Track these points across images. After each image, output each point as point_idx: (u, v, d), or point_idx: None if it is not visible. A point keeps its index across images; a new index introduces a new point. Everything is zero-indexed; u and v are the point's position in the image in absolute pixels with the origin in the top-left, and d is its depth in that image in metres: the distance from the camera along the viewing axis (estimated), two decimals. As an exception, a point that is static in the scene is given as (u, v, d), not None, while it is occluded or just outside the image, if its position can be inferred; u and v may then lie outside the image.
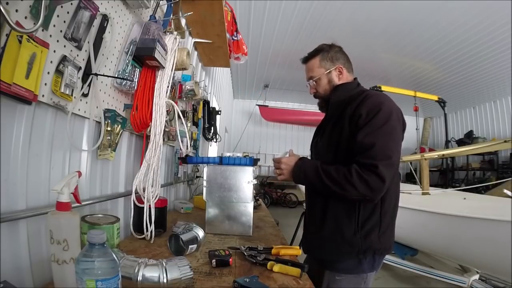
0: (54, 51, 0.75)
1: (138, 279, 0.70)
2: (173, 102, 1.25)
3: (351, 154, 1.00)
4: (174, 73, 1.28)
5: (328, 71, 1.18)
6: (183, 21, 1.72)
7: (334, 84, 1.19)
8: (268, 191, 7.88)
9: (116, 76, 1.06)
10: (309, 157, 1.23)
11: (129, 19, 1.14)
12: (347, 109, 1.07)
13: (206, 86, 2.94)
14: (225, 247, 1.11)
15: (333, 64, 1.18)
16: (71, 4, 0.78)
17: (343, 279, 1.08)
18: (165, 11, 1.37)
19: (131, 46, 1.09)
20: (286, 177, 1.13)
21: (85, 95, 0.90)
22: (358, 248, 1.03)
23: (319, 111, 1.32)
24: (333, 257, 1.09)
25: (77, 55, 0.84)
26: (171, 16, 1.35)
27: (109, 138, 1.04)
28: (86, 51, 0.89)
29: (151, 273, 0.71)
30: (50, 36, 0.73)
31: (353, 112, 1.03)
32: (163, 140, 1.26)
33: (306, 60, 1.25)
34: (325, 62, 1.19)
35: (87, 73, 0.90)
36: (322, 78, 1.20)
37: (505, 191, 2.97)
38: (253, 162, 1.39)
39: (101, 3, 0.93)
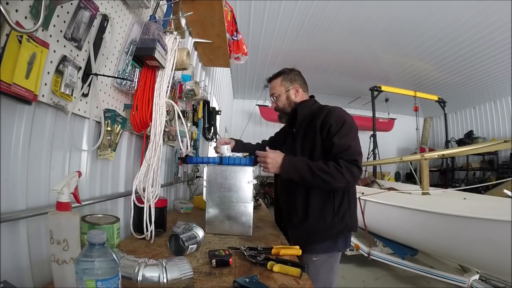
0: (54, 51, 0.75)
1: (138, 279, 0.70)
2: (173, 102, 1.25)
3: (326, 153, 1.28)
4: (174, 73, 1.28)
5: (287, 89, 1.48)
6: (183, 21, 1.72)
7: (292, 100, 1.48)
8: (268, 191, 7.87)
9: (116, 76, 1.06)
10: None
11: (129, 19, 1.14)
12: (314, 120, 1.34)
13: (206, 86, 2.93)
14: (225, 247, 1.11)
15: (291, 84, 1.48)
16: (71, 4, 0.78)
17: (319, 259, 1.31)
18: (165, 11, 1.37)
19: (131, 46, 1.09)
20: (271, 171, 1.30)
21: (85, 95, 0.90)
22: (337, 229, 1.30)
23: None
24: (318, 242, 1.31)
25: (77, 55, 0.84)
26: (171, 16, 1.35)
27: (109, 138, 1.04)
28: (86, 51, 0.89)
29: (151, 273, 0.71)
30: (50, 36, 0.73)
31: (322, 122, 1.30)
32: (163, 140, 1.26)
33: (270, 80, 1.55)
34: (285, 82, 1.48)
35: (87, 73, 0.89)
36: (281, 95, 1.49)
37: (505, 191, 2.97)
38: (253, 162, 1.39)
39: (101, 3, 0.93)
